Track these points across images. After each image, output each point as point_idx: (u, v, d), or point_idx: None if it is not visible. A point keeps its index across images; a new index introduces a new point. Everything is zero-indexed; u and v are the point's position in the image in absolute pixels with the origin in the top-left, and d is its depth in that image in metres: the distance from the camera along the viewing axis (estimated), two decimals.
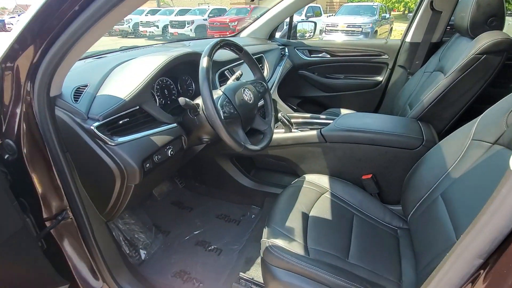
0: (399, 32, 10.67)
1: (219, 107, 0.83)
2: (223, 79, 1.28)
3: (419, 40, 1.74)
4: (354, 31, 9.07)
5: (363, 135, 1.18)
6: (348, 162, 1.24)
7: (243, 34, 2.09)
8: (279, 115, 1.33)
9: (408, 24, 1.84)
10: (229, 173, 1.51)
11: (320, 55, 2.10)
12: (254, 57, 1.60)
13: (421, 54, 1.74)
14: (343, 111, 1.88)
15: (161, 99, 1.06)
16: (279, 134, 1.34)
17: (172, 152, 0.88)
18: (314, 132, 1.26)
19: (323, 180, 1.20)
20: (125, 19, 12.52)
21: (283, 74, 1.87)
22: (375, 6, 10.75)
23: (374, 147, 1.18)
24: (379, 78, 2.01)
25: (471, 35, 1.26)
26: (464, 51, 1.26)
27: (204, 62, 0.81)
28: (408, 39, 1.81)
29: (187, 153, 1.08)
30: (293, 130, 1.38)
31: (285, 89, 2.20)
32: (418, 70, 1.70)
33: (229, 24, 10.45)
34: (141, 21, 12.43)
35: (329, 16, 12.33)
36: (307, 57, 2.12)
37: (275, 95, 1.58)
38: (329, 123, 1.47)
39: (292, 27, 2.21)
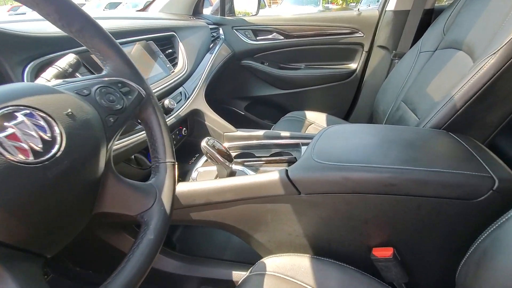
0: None
1: None
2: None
3: (409, 7, 1.21)
4: None
5: (371, 177, 0.58)
6: (344, 227, 0.64)
7: (153, 8, 1.37)
8: (203, 144, 0.67)
9: None
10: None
11: (270, 36, 1.47)
12: (158, 35, 0.92)
13: (411, 26, 1.22)
14: (309, 114, 1.30)
15: None
16: (207, 180, 0.69)
17: None
18: (273, 176, 0.62)
19: (300, 268, 0.61)
20: None
21: (218, 66, 1.21)
22: None
23: (394, 198, 0.59)
24: (353, 66, 1.46)
25: None
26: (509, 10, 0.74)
27: None
28: (391, 6, 1.28)
29: None
30: (233, 168, 0.73)
31: (225, 89, 1.54)
32: (409, 50, 1.18)
33: None
34: None
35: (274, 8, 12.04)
36: (252, 40, 1.48)
37: (200, 102, 0.91)
38: (298, 151, 0.85)
39: (227, 0, 1.55)
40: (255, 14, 1.65)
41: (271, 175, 0.63)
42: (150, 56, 0.79)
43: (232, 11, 1.59)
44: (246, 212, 0.68)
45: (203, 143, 0.66)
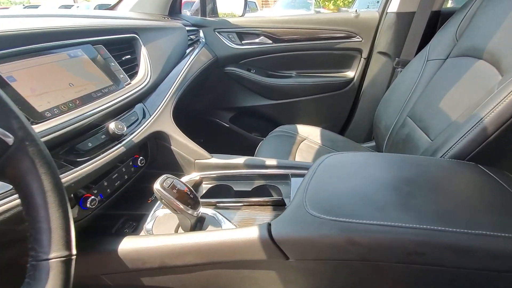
0: None
1: None
2: None
3: (414, 9, 1.06)
4: None
5: (388, 241, 0.41)
6: None
7: (122, 7, 1.19)
8: (157, 186, 0.49)
9: None
10: None
11: (257, 40, 1.31)
12: (112, 37, 0.73)
13: (417, 31, 1.07)
14: (301, 128, 1.15)
15: None
16: (162, 235, 0.51)
17: None
18: (251, 234, 0.45)
19: None
20: None
21: (196, 74, 1.04)
22: (309, 1, 10.74)
23: (419, 269, 0.42)
24: (350, 74, 1.31)
25: None
26: None
27: None
28: (393, 8, 1.13)
29: None
30: (202, 213, 0.56)
31: (207, 98, 1.37)
32: (414, 57, 1.03)
33: None
34: None
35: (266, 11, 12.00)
36: (237, 44, 1.31)
37: (165, 122, 0.73)
38: (287, 184, 0.68)
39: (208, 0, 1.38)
40: (241, 16, 1.49)
41: (248, 232, 0.45)
42: (96, 65, 0.61)
43: (215, 12, 1.42)
44: (215, 278, 0.50)
45: (156, 185, 0.49)
